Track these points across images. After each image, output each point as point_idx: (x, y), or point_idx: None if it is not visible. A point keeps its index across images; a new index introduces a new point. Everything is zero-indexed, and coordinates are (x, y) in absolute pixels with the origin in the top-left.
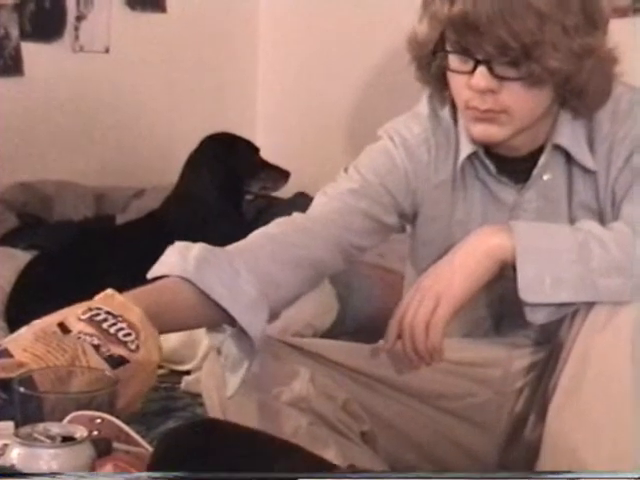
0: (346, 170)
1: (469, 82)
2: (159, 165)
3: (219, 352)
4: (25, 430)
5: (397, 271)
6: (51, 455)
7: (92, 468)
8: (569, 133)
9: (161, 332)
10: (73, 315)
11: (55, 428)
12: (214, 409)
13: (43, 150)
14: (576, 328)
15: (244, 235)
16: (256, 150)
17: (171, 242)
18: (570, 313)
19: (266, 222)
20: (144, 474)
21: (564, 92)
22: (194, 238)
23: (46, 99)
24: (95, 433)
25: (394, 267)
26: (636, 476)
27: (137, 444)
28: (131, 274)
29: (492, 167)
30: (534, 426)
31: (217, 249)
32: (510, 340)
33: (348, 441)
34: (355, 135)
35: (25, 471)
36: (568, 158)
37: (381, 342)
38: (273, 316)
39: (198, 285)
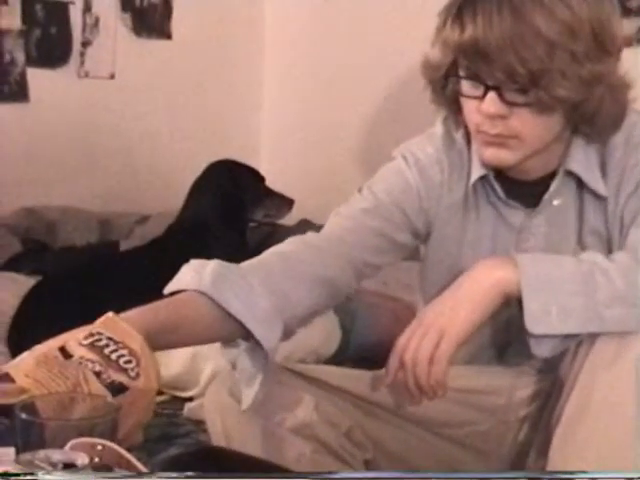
0: (360, 190)
1: (480, 107)
2: (163, 191)
3: (234, 367)
4: (26, 457)
5: (401, 299)
6: None
7: None
8: (582, 159)
9: (176, 346)
10: (74, 340)
11: (56, 455)
12: (217, 435)
13: (47, 175)
14: (580, 359)
15: None
16: (261, 178)
17: (175, 269)
18: (574, 344)
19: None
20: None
21: (575, 118)
22: None
23: (51, 125)
24: (96, 460)
25: (398, 295)
26: (636, 476)
27: (139, 471)
28: (134, 301)
29: (500, 191)
30: (537, 456)
31: (232, 265)
32: (514, 368)
33: (351, 469)
34: (360, 162)
35: None
36: (579, 184)
37: (383, 371)
38: (287, 334)
39: (215, 298)
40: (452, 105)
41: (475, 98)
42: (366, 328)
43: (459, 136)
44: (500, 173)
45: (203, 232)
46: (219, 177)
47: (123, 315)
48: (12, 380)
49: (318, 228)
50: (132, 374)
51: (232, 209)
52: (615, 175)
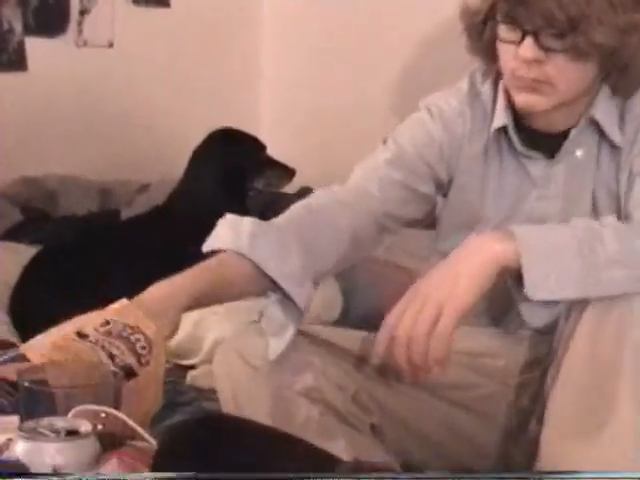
0: (385, 142)
1: (517, 52)
2: (163, 159)
3: (261, 316)
4: (29, 424)
5: (404, 267)
6: (55, 449)
7: (97, 462)
8: (605, 109)
9: (219, 302)
10: (90, 326)
11: (60, 422)
12: (226, 398)
13: (47, 145)
14: (571, 326)
15: None
16: (262, 147)
17: (177, 236)
18: (566, 310)
19: (271, 218)
20: (150, 474)
21: (608, 67)
22: (199, 233)
23: (50, 94)
24: (100, 427)
25: (401, 262)
26: (636, 476)
27: (142, 438)
28: (136, 268)
29: (517, 141)
30: (537, 423)
31: (265, 224)
32: (514, 333)
33: (358, 433)
34: (360, 130)
35: (30, 465)
36: (599, 134)
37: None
38: (314, 285)
39: (252, 259)
40: (487, 53)
41: (512, 43)
42: (368, 295)
43: (485, 89)
44: (522, 125)
45: (203, 200)
46: (219, 145)
47: (169, 281)
48: (27, 360)
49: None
50: (143, 360)
51: (232, 177)
52: (631, 128)
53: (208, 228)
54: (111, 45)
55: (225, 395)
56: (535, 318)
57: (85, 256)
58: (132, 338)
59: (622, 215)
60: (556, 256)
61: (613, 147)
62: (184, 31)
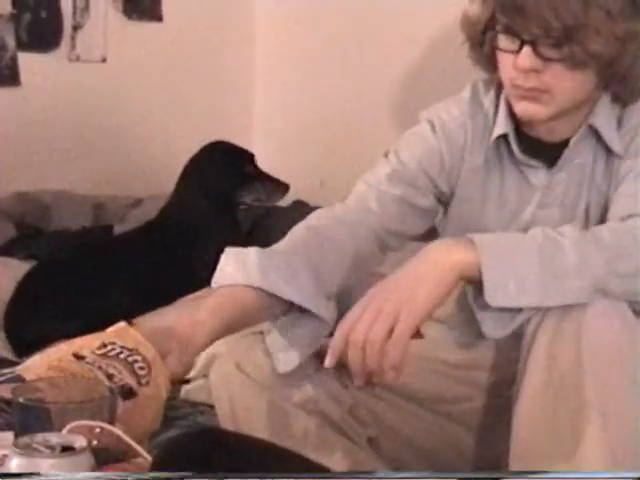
0: (386, 155)
1: (515, 61)
2: (156, 174)
3: (264, 334)
4: (24, 440)
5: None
6: (50, 465)
7: None
8: (605, 115)
9: (235, 332)
10: (88, 348)
11: (54, 438)
12: (224, 410)
13: (40, 160)
14: (530, 336)
15: (240, 243)
16: (250, 159)
17: (169, 251)
18: (526, 322)
19: (263, 231)
20: (150, 474)
21: (607, 76)
22: (191, 247)
23: (43, 109)
24: (95, 443)
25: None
26: (636, 476)
27: (137, 454)
28: (130, 284)
29: (517, 150)
30: None
31: (269, 251)
32: (500, 345)
33: (355, 445)
34: (353, 143)
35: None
36: (597, 140)
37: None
38: None
39: (269, 290)
40: (489, 62)
41: (511, 52)
42: None
43: (487, 99)
44: (524, 134)
45: (192, 214)
46: (206, 158)
47: (185, 309)
48: (23, 381)
49: (312, 209)
50: (143, 381)
51: (218, 192)
52: (626, 139)
53: (199, 242)
54: (104, 60)
55: (223, 407)
56: (493, 328)
57: (79, 271)
58: (130, 359)
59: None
60: (515, 263)
61: (609, 154)
62: (177, 45)
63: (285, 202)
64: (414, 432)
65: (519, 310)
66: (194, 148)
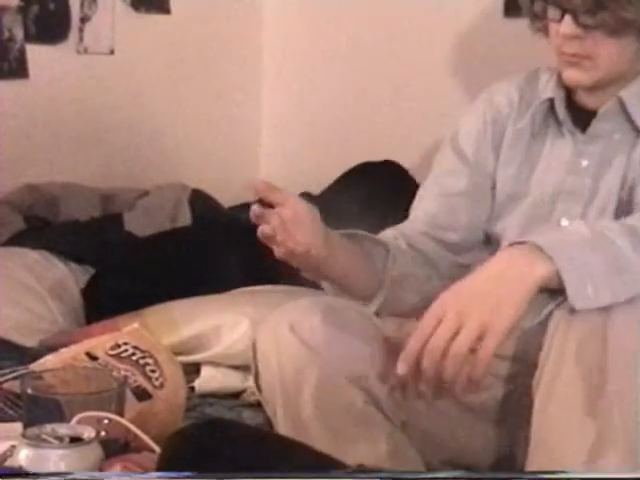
0: (444, 145)
1: (558, 29)
2: (164, 166)
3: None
4: (33, 431)
5: None
6: (59, 456)
7: (100, 469)
8: (635, 91)
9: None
10: (101, 348)
11: (63, 429)
12: (271, 374)
13: (49, 152)
14: (558, 331)
15: None
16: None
17: None
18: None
19: None
20: (153, 474)
21: None
22: None
23: (51, 101)
24: (103, 434)
25: None
26: (636, 476)
27: (145, 445)
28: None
29: (564, 113)
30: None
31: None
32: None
33: (394, 427)
34: (360, 136)
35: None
36: (627, 116)
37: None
38: None
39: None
40: (545, 33)
41: (555, 21)
42: None
43: (545, 74)
44: (574, 103)
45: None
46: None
47: None
48: (39, 378)
49: (318, 200)
50: (156, 383)
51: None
52: None
53: None
54: (112, 52)
55: (270, 368)
56: (525, 318)
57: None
58: (141, 362)
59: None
60: (586, 265)
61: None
62: (185, 38)
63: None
64: (436, 422)
65: (549, 300)
66: (201, 141)
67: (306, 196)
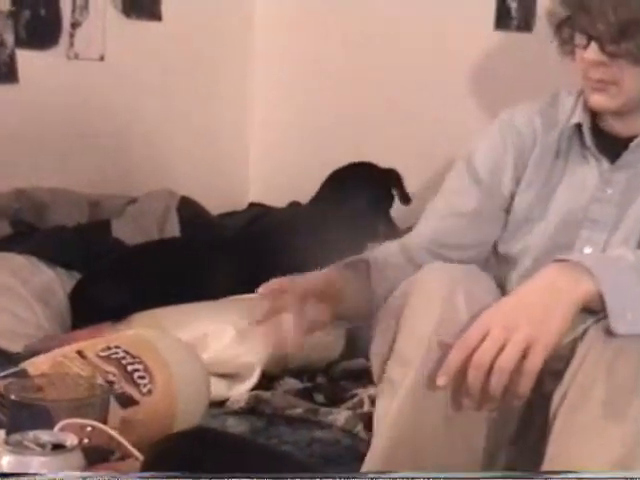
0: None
1: (583, 55)
2: (153, 173)
3: None
4: (15, 438)
5: None
6: (40, 463)
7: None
8: None
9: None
10: (92, 349)
11: (45, 436)
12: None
13: (37, 157)
14: (587, 345)
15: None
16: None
17: None
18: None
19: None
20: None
21: None
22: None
23: (41, 106)
24: (86, 441)
25: None
26: (636, 476)
27: (129, 453)
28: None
29: (589, 139)
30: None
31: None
32: None
33: None
34: (349, 145)
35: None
36: None
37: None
38: None
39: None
40: (572, 57)
41: (582, 47)
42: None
43: (568, 98)
44: (599, 129)
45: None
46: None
47: None
48: (28, 376)
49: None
50: (144, 390)
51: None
52: None
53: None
54: (102, 58)
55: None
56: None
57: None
58: (130, 367)
59: None
60: (628, 290)
61: None
62: (175, 45)
63: (281, 203)
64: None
65: (586, 317)
66: (190, 147)
67: (294, 205)
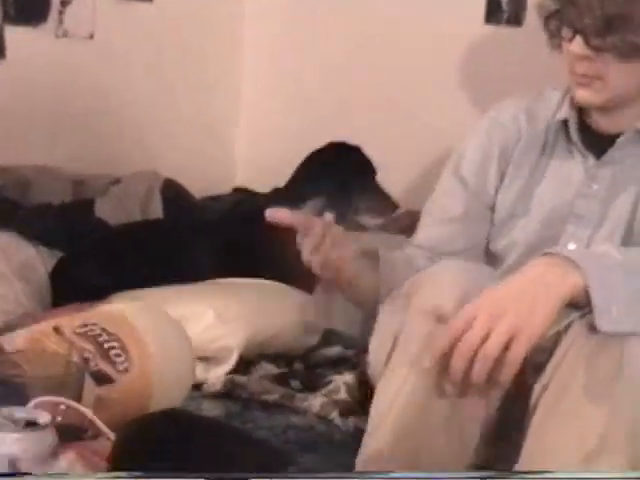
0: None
1: (569, 48)
2: (138, 154)
3: None
4: None
5: None
6: (13, 439)
7: (54, 454)
8: None
9: None
10: (69, 325)
11: (19, 412)
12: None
13: (22, 134)
14: (570, 339)
15: None
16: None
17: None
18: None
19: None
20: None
21: None
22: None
23: (28, 83)
24: (59, 419)
25: None
26: (636, 476)
27: (101, 432)
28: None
29: (576, 135)
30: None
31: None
32: None
33: None
34: (339, 132)
35: None
36: None
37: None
38: None
39: None
40: (560, 50)
41: (568, 40)
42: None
43: (554, 94)
44: (586, 125)
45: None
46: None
47: None
48: (4, 353)
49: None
50: (120, 367)
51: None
52: None
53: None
54: (92, 36)
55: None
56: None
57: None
58: (106, 345)
59: None
60: (613, 287)
61: None
62: (166, 26)
63: (265, 189)
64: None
65: (570, 312)
66: (177, 129)
67: (279, 191)
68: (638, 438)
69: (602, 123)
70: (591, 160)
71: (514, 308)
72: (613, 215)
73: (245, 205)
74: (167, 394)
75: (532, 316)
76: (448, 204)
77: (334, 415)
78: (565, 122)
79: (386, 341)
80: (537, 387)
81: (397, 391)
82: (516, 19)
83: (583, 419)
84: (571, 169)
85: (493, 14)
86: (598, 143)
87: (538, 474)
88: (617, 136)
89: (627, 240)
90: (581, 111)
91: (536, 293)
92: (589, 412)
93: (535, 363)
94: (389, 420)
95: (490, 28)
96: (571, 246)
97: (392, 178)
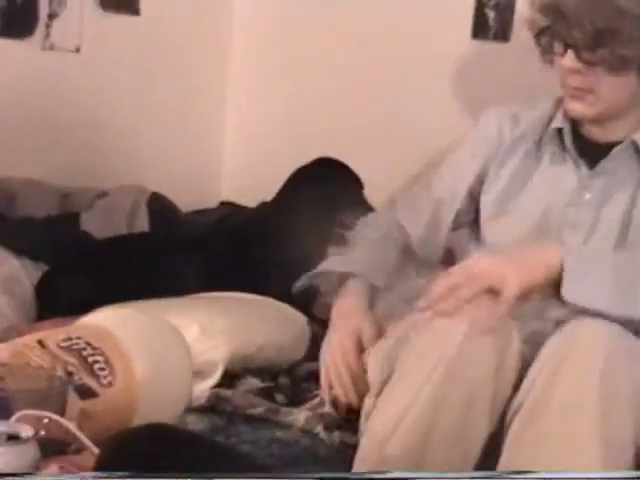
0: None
1: (561, 62)
2: (125, 167)
3: None
4: None
5: None
6: None
7: (37, 468)
8: None
9: None
10: (53, 340)
11: (1, 426)
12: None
13: (8, 147)
14: (546, 354)
15: None
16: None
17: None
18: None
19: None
20: (88, 474)
21: None
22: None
23: (13, 95)
24: (42, 433)
25: None
26: (636, 476)
27: (85, 446)
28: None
29: (570, 143)
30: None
31: None
32: None
33: None
34: (325, 144)
35: None
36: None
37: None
38: None
39: None
40: (552, 65)
41: (560, 55)
42: None
43: (547, 103)
44: (579, 134)
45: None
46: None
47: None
48: None
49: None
50: (104, 382)
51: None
52: None
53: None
54: (78, 50)
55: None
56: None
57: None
58: (90, 359)
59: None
60: (593, 268)
61: None
62: (152, 40)
63: (253, 203)
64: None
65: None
66: (163, 143)
67: (266, 205)
68: (611, 442)
69: (595, 133)
70: (584, 169)
71: (512, 264)
72: (604, 223)
73: (231, 219)
74: (154, 408)
75: (525, 269)
76: (411, 220)
77: (319, 429)
78: (559, 130)
79: (377, 357)
80: (513, 404)
81: (406, 406)
82: (503, 35)
83: (561, 434)
84: (563, 175)
85: (480, 29)
86: (591, 152)
87: (538, 474)
88: (610, 145)
89: (620, 247)
90: (574, 120)
91: (527, 259)
92: (567, 427)
93: (514, 382)
94: (396, 436)
95: (477, 43)
96: None
97: (379, 194)
